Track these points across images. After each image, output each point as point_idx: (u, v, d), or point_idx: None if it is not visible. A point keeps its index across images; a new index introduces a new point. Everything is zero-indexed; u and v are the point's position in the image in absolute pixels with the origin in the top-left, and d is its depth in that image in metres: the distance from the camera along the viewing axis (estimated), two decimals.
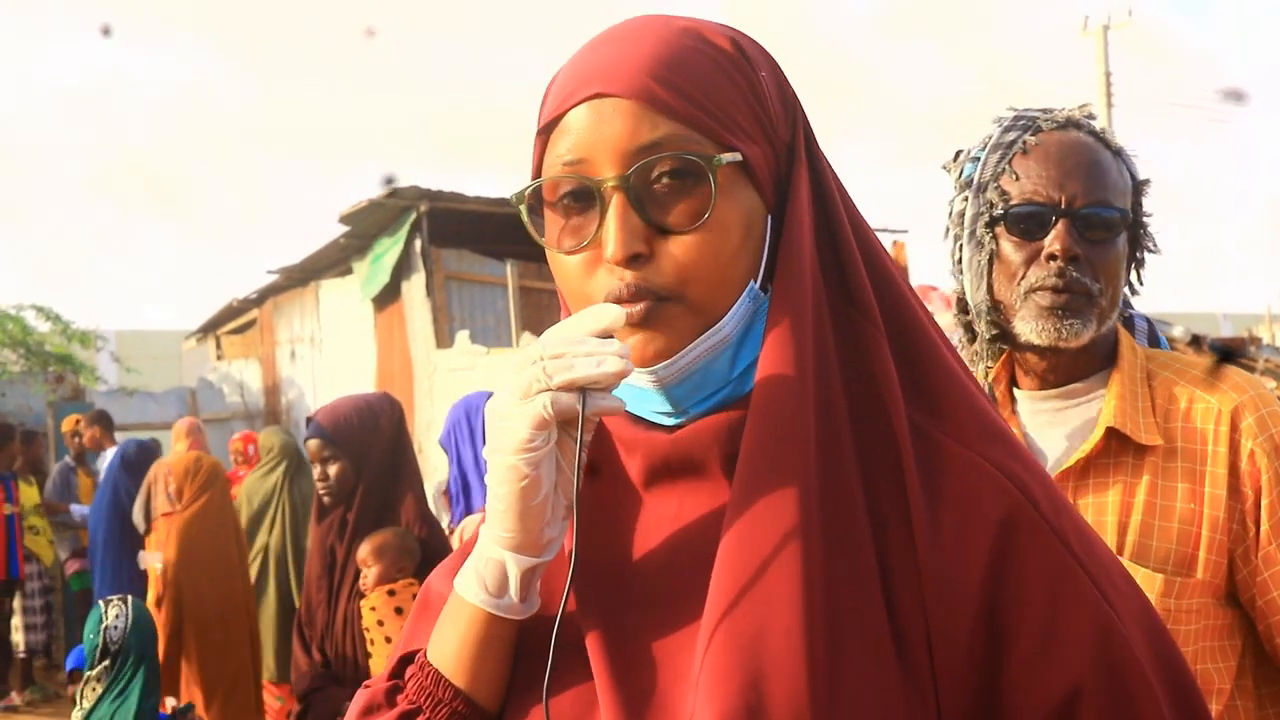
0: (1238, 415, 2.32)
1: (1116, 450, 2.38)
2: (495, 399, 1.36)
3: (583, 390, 1.31)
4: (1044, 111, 2.51)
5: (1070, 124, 2.48)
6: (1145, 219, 2.49)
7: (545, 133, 1.43)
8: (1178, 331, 11.52)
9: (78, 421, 13.55)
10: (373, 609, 4.66)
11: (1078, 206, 2.39)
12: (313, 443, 5.13)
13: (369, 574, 4.74)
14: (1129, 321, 2.61)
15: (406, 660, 1.45)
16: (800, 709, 1.25)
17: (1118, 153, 2.48)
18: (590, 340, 1.31)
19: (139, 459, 10.97)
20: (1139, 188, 2.48)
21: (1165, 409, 2.38)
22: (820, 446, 1.34)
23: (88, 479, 13.51)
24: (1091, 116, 2.52)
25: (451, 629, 1.40)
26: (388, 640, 4.56)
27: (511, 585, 1.37)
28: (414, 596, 4.35)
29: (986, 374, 2.54)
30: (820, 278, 1.41)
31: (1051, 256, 2.37)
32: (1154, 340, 2.63)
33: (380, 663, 4.57)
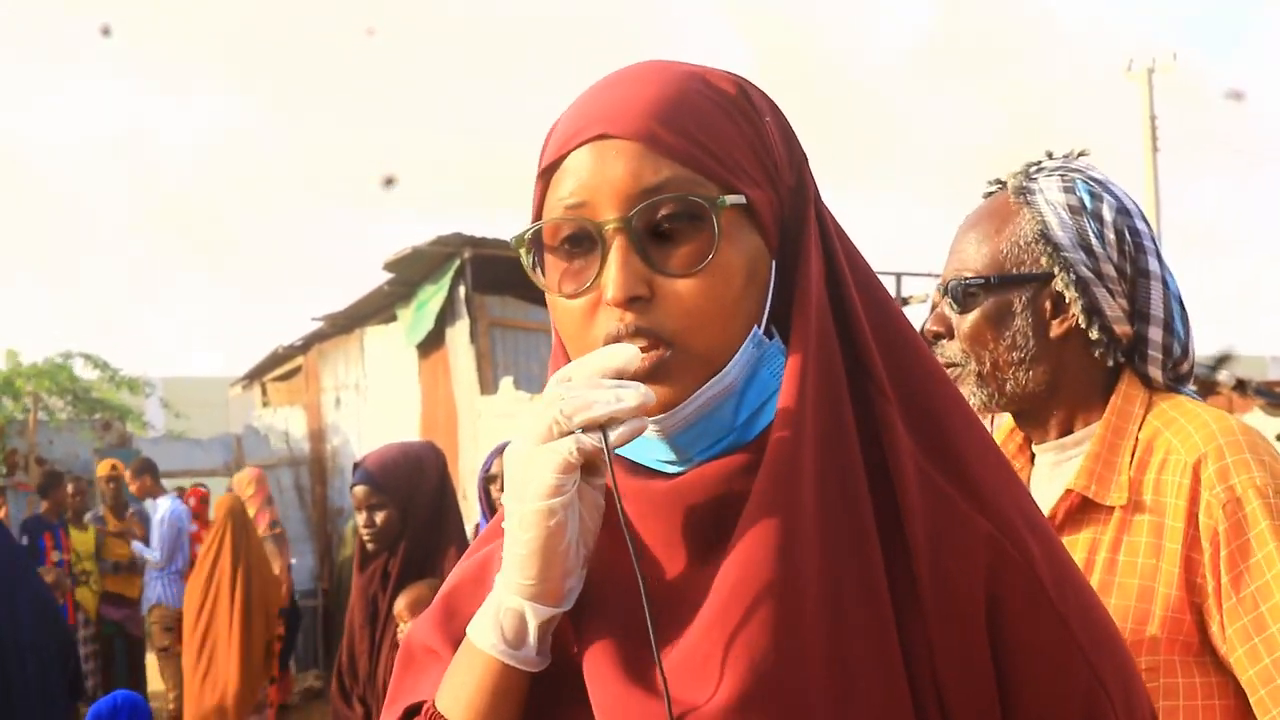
0: (1200, 465, 2.24)
1: (1084, 507, 2.33)
2: (514, 445, 1.34)
3: (603, 428, 1.29)
4: (1034, 164, 2.51)
5: (1000, 185, 2.51)
6: (1069, 265, 2.39)
7: (546, 175, 1.42)
8: (1222, 376, 11.41)
9: (113, 467, 13.61)
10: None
11: (946, 281, 2.44)
12: (360, 489, 5.11)
13: (405, 628, 4.73)
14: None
15: (412, 712, 1.42)
16: None
17: (1029, 204, 2.43)
18: (605, 380, 1.30)
19: None
20: (1048, 236, 2.40)
21: (1144, 461, 2.31)
22: (837, 502, 1.34)
23: (117, 523, 13.56)
24: (1060, 170, 2.47)
25: (466, 679, 1.37)
26: None
27: (530, 636, 1.35)
28: None
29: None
30: (833, 327, 1.40)
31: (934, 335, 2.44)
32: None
33: None
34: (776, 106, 1.48)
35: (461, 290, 15.45)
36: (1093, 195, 2.40)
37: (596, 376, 1.31)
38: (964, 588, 1.35)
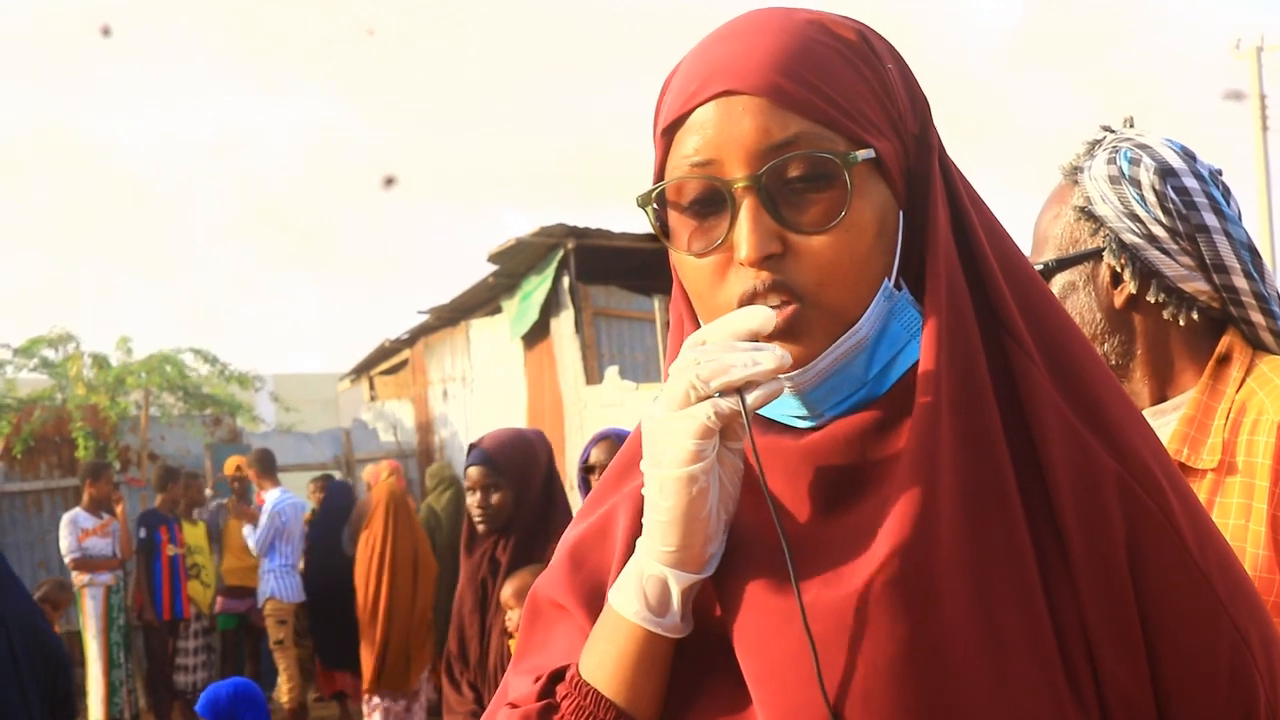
0: None
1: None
2: (651, 411, 1.32)
3: (739, 391, 1.26)
4: (1093, 142, 2.54)
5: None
6: (1131, 241, 2.39)
7: (669, 132, 1.39)
8: None
9: (239, 467, 13.79)
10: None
11: None
12: (476, 470, 5.10)
13: (514, 616, 4.71)
14: None
15: (556, 678, 1.40)
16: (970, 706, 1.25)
17: (1077, 183, 2.47)
18: (739, 344, 1.28)
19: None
20: (1090, 211, 2.43)
21: (1238, 423, 2.29)
22: (976, 457, 1.32)
23: (237, 521, 13.70)
24: (1113, 141, 2.48)
25: (610, 646, 1.35)
26: None
27: (674, 602, 1.33)
28: None
29: None
30: (962, 278, 1.37)
31: None
32: None
33: None
34: (897, 52, 1.44)
35: (565, 280, 15.49)
36: (1131, 161, 2.40)
37: (731, 339, 1.29)
38: (1107, 538, 1.33)
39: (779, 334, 1.31)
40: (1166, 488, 1.37)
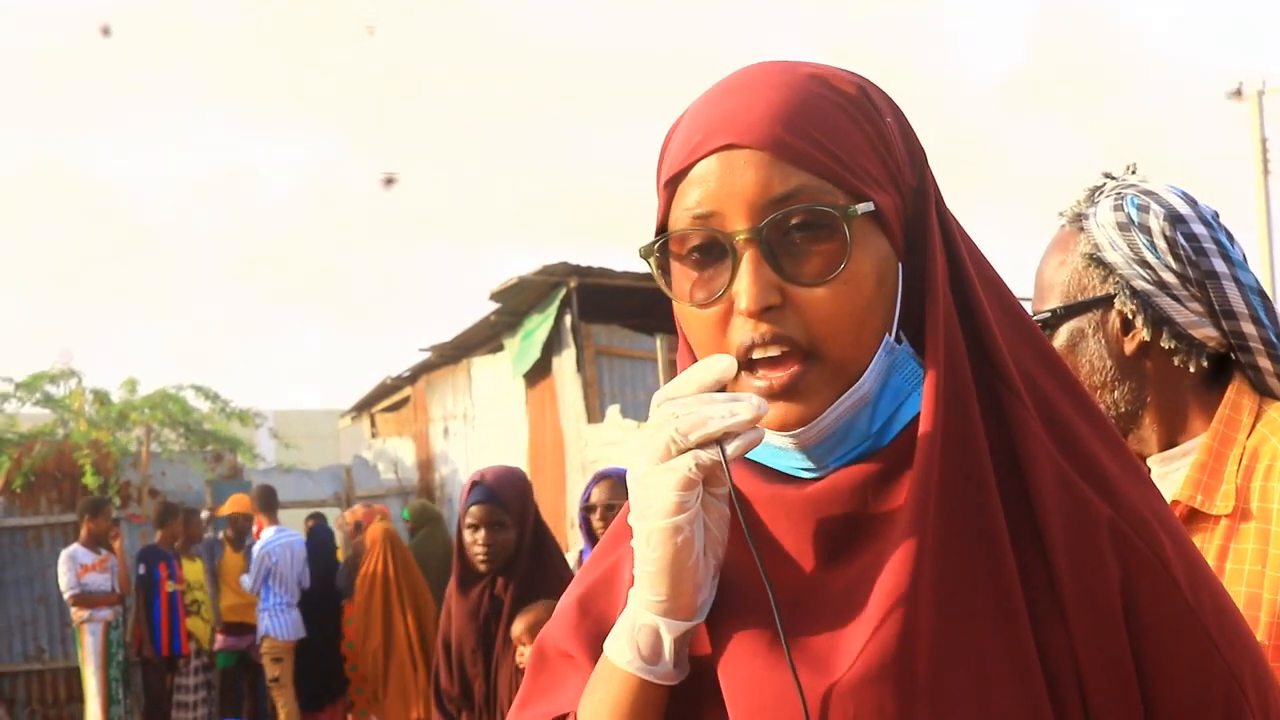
0: None
1: (1191, 517, 2.29)
2: (633, 466, 1.34)
3: (719, 443, 1.28)
4: (1095, 189, 2.53)
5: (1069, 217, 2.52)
6: (1143, 290, 2.37)
7: (673, 184, 1.41)
8: None
9: (239, 504, 13.81)
10: None
11: None
12: (481, 508, 5.06)
13: (526, 652, 4.68)
14: None
15: None
16: None
17: (1083, 229, 2.44)
18: (716, 395, 1.30)
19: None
20: (1099, 257, 2.40)
21: (1250, 469, 2.27)
22: (970, 505, 1.33)
23: (235, 555, 13.72)
24: (1117, 191, 2.46)
25: (605, 695, 1.37)
26: None
27: (666, 651, 1.35)
28: None
29: None
30: (959, 329, 1.39)
31: None
32: None
33: None
34: (896, 105, 1.46)
35: (568, 319, 15.53)
36: (1140, 208, 2.39)
37: (697, 390, 1.31)
38: (1101, 583, 1.34)
39: (781, 394, 1.34)
40: (1159, 532, 1.38)
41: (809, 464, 1.39)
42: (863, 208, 1.34)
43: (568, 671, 1.47)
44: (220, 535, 14.30)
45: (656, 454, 1.31)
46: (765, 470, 1.41)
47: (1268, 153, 29.05)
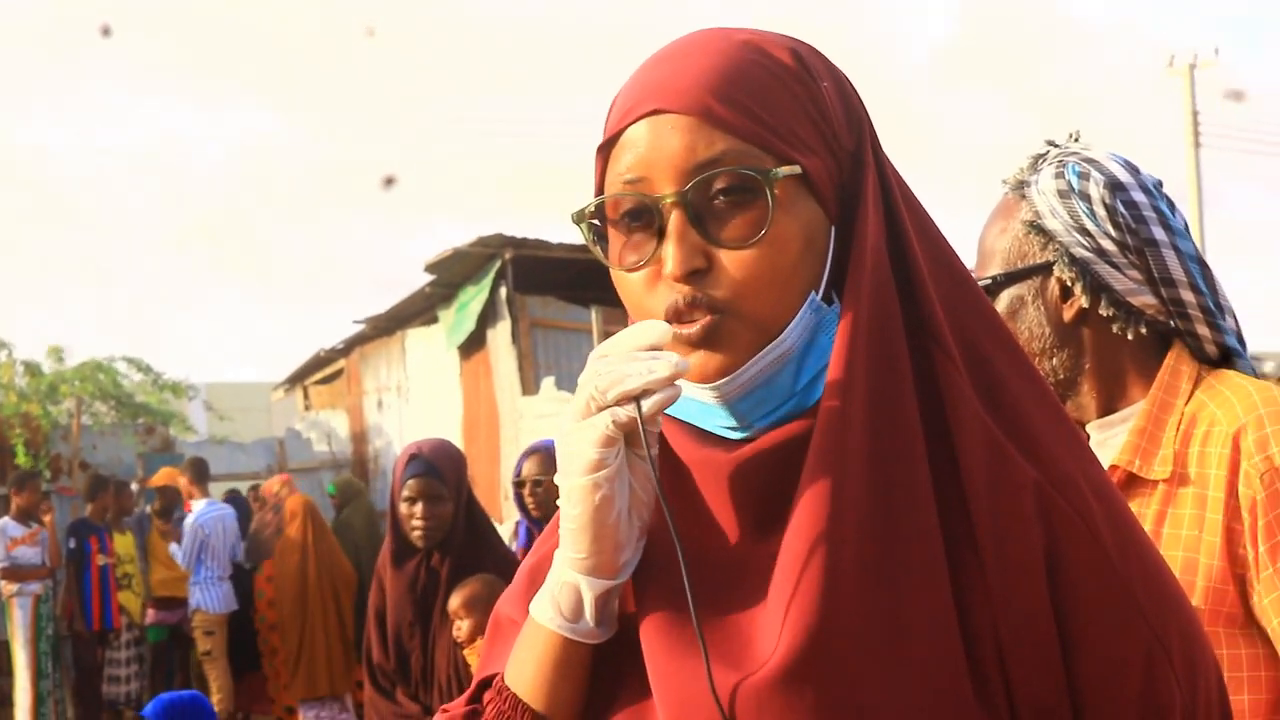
0: (1240, 435, 2.23)
1: (1129, 482, 2.32)
2: (561, 422, 1.36)
3: (637, 400, 1.30)
4: (1037, 156, 2.56)
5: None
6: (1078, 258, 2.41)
7: (606, 149, 1.43)
8: (1269, 367, 11.38)
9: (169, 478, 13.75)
10: (471, 665, 4.59)
11: None
12: (420, 481, 5.04)
13: (463, 626, 4.67)
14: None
15: (485, 685, 1.45)
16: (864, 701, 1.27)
17: (1025, 197, 2.48)
18: (639, 354, 1.31)
19: None
20: (1039, 225, 2.43)
21: (1189, 434, 2.31)
22: (891, 461, 1.33)
23: (164, 524, 13.67)
24: (1058, 158, 2.49)
25: (528, 654, 1.39)
26: None
27: (587, 609, 1.36)
28: None
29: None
30: (892, 289, 1.39)
31: None
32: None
33: None
34: (835, 68, 1.47)
35: (503, 291, 15.50)
36: (1080, 175, 2.41)
37: (630, 350, 1.32)
38: (1024, 545, 1.34)
39: (700, 343, 1.35)
40: (1088, 494, 1.38)
41: (734, 422, 1.39)
42: (786, 171, 1.35)
43: (514, 636, 1.47)
44: (149, 509, 14.21)
45: (579, 411, 1.34)
46: (699, 433, 1.41)
47: (1199, 125, 29.32)
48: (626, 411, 1.30)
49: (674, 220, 1.35)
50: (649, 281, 1.38)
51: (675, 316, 1.35)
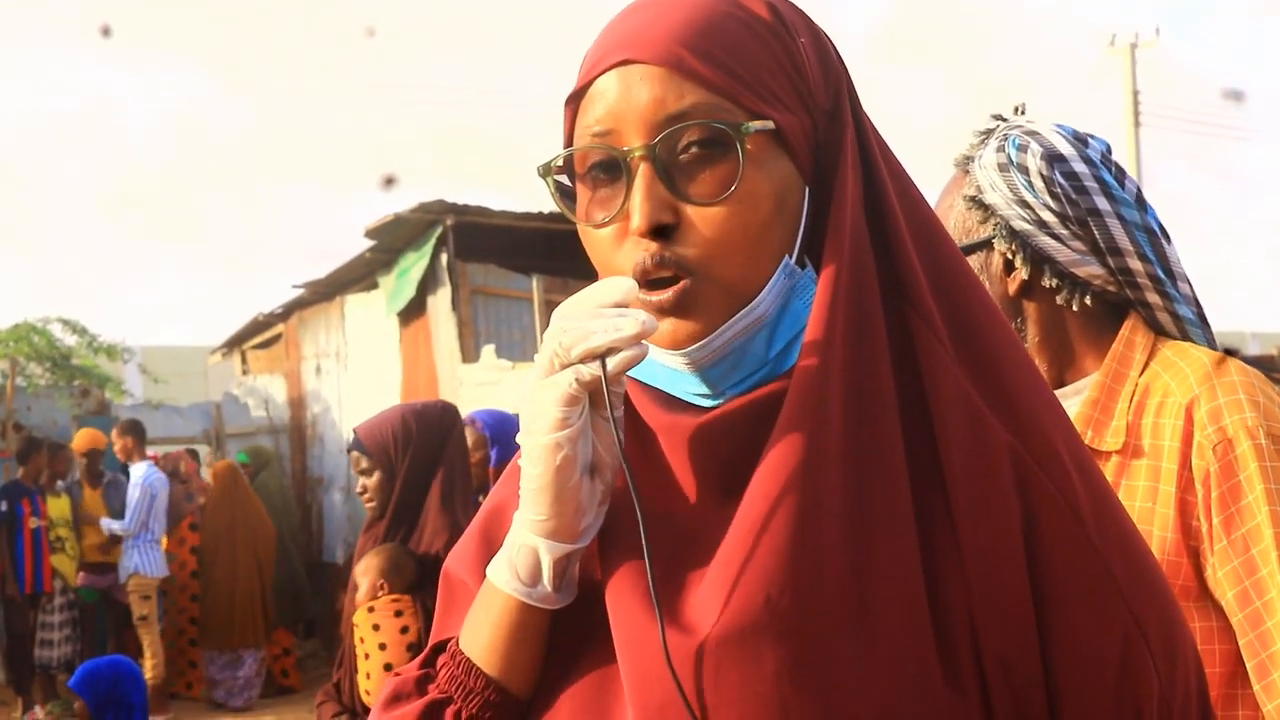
0: (1193, 406, 2.24)
1: None
2: (526, 380, 1.32)
3: (602, 358, 1.26)
4: (983, 133, 2.56)
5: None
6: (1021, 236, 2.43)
7: (574, 101, 1.39)
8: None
9: (92, 440, 13.73)
10: (355, 625, 4.61)
11: None
12: (353, 455, 5.12)
13: (363, 585, 4.70)
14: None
15: (438, 649, 1.42)
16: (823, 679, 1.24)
17: (968, 173, 2.50)
18: (605, 310, 1.27)
19: None
20: (979, 199, 2.46)
21: (1142, 405, 2.32)
22: (865, 425, 1.31)
23: (93, 493, 13.60)
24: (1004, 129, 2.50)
25: (484, 617, 1.36)
26: (366, 657, 4.52)
27: (545, 573, 1.33)
28: (396, 614, 4.45)
29: None
30: (870, 253, 1.36)
31: None
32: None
33: (361, 679, 4.55)
34: (814, 25, 1.44)
35: (444, 258, 15.41)
36: (1019, 148, 2.42)
37: (595, 309, 1.29)
38: (1001, 521, 1.32)
39: (671, 310, 1.32)
40: (1069, 467, 1.36)
41: (705, 389, 1.36)
42: (758, 125, 1.32)
43: (467, 600, 1.45)
44: (76, 477, 14.11)
45: (542, 368, 1.30)
46: (667, 399, 1.38)
47: (1139, 105, 29.48)
48: (590, 370, 1.27)
49: (642, 174, 1.32)
50: (616, 238, 1.35)
51: (643, 275, 1.32)
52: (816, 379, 1.30)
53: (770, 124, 1.33)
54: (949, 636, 1.29)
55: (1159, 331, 2.41)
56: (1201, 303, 2.47)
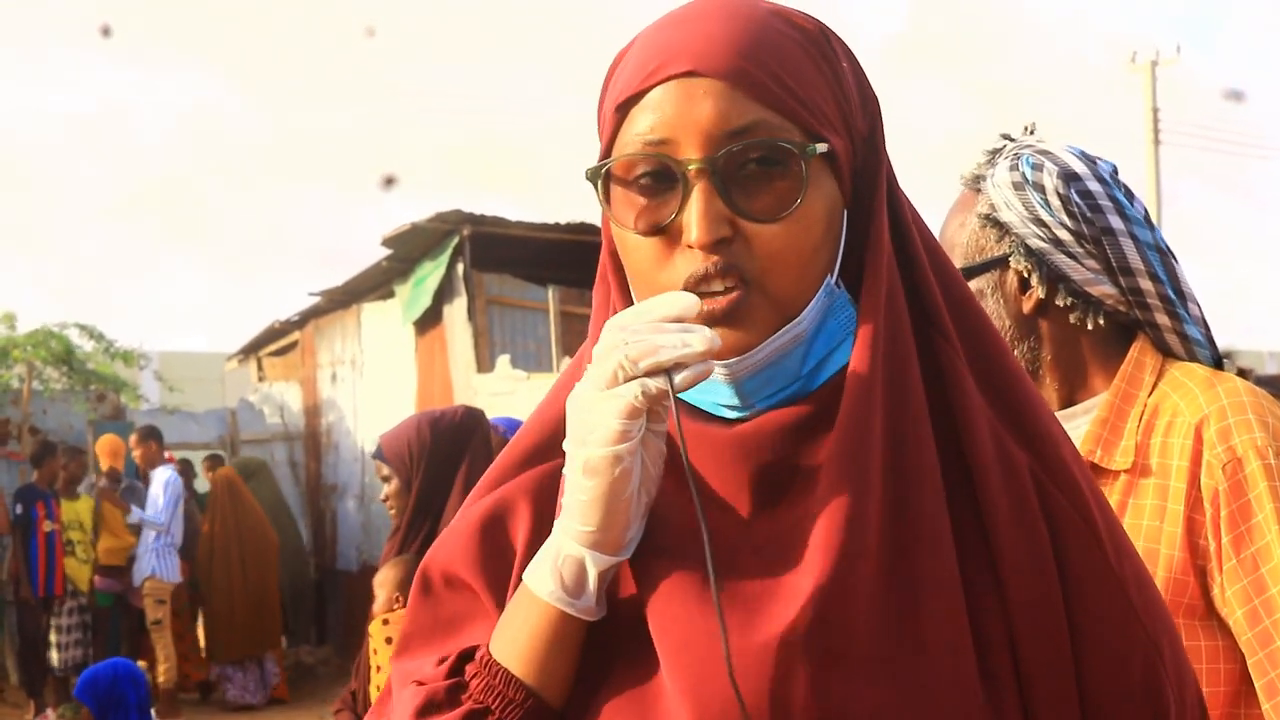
0: (1202, 426, 2.25)
1: (1091, 473, 2.34)
2: (576, 390, 1.31)
3: (668, 373, 1.25)
4: (993, 150, 2.56)
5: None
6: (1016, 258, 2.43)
7: (624, 109, 1.37)
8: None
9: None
10: (370, 636, 4.62)
11: None
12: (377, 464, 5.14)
13: (377, 602, 4.70)
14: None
15: (465, 658, 1.39)
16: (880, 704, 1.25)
17: (980, 191, 2.50)
18: (668, 325, 1.27)
19: None
20: (994, 217, 2.45)
21: (1151, 425, 2.32)
22: (904, 459, 1.32)
23: (111, 493, 13.66)
24: (1014, 151, 2.50)
25: (522, 625, 1.34)
26: (378, 669, 4.49)
27: (590, 584, 1.32)
28: None
29: None
30: (898, 278, 1.38)
31: None
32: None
33: (374, 691, 4.52)
34: (852, 53, 1.45)
35: (460, 267, 15.42)
36: (1034, 167, 2.42)
37: (655, 323, 1.28)
38: (1036, 548, 1.34)
39: (721, 319, 1.32)
40: (1087, 493, 1.38)
41: (736, 401, 1.37)
42: (820, 148, 1.33)
43: (464, 603, 1.44)
44: (94, 481, 14.17)
45: (603, 380, 1.28)
46: (690, 408, 1.39)
47: (1159, 123, 29.44)
48: (656, 383, 1.26)
49: (700, 187, 1.31)
50: (663, 249, 1.35)
51: (699, 285, 1.32)
52: (862, 408, 1.31)
53: (827, 146, 1.34)
54: (993, 675, 1.31)
55: (1166, 353, 2.42)
56: (1209, 323, 2.48)
